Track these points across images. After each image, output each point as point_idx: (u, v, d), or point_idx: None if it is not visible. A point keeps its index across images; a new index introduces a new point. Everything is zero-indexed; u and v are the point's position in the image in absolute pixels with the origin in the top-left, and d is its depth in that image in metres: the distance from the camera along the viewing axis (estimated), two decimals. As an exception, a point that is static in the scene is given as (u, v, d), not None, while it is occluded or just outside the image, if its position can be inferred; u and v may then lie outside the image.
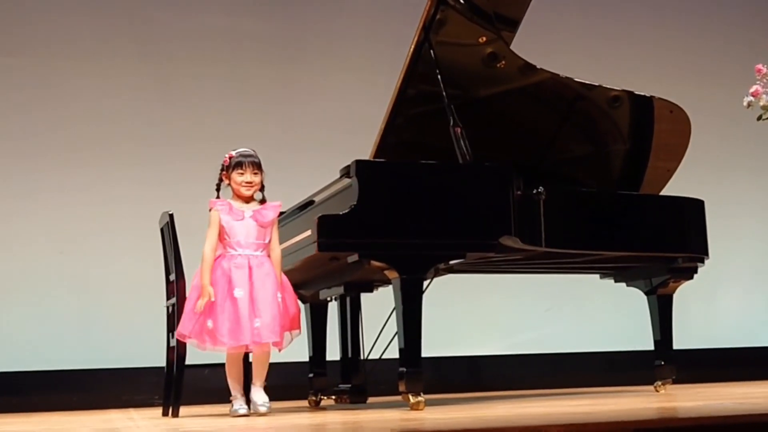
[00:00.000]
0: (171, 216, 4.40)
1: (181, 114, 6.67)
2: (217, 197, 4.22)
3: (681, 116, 5.07)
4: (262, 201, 4.22)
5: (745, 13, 7.82)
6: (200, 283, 4.05)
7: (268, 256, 4.14)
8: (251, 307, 3.99)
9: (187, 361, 4.29)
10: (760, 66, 5.24)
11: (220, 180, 4.24)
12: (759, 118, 5.30)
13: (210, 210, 4.16)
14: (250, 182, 4.16)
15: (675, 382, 5.08)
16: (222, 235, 4.12)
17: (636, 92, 4.99)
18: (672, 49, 7.62)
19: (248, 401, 4.12)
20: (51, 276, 6.28)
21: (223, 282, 4.03)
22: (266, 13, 6.97)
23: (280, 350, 4.15)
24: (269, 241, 4.15)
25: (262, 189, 4.23)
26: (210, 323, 3.99)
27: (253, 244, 4.11)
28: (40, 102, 6.49)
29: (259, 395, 4.09)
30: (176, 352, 4.25)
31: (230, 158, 4.19)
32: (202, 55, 6.78)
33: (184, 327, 4.08)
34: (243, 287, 4.01)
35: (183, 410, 4.33)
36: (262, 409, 4.03)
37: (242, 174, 4.15)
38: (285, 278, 4.18)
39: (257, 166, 4.18)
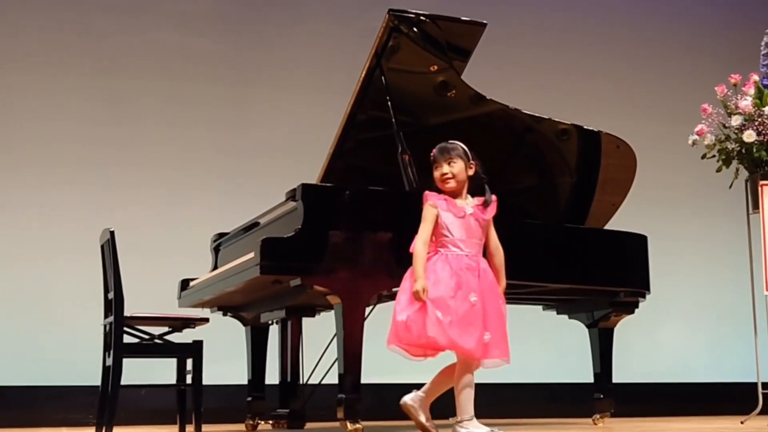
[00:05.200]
0: (112, 233, 4.33)
1: (129, 132, 6.60)
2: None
3: (627, 151, 5.12)
4: (480, 195, 3.71)
5: (693, 52, 7.95)
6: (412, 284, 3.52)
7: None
8: (483, 318, 3.52)
9: (124, 381, 4.21)
10: (705, 105, 5.33)
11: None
12: (703, 156, 5.38)
13: (424, 203, 3.65)
14: (446, 173, 3.64)
15: (614, 415, 5.10)
16: (439, 233, 3.62)
17: (584, 126, 5.04)
18: (621, 85, 7.73)
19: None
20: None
21: (453, 283, 3.51)
22: (220, 34, 6.94)
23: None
24: (486, 242, 3.69)
25: (479, 178, 3.71)
26: (440, 314, 3.45)
27: (476, 244, 3.63)
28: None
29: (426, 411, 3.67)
30: (112, 371, 4.17)
31: (433, 153, 3.71)
32: (153, 73, 6.73)
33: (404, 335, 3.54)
34: (477, 293, 3.52)
35: (117, 431, 4.24)
36: None
37: (438, 168, 3.66)
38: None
39: (452, 154, 3.65)
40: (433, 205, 3.61)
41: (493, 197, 3.70)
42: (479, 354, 3.52)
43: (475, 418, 3.60)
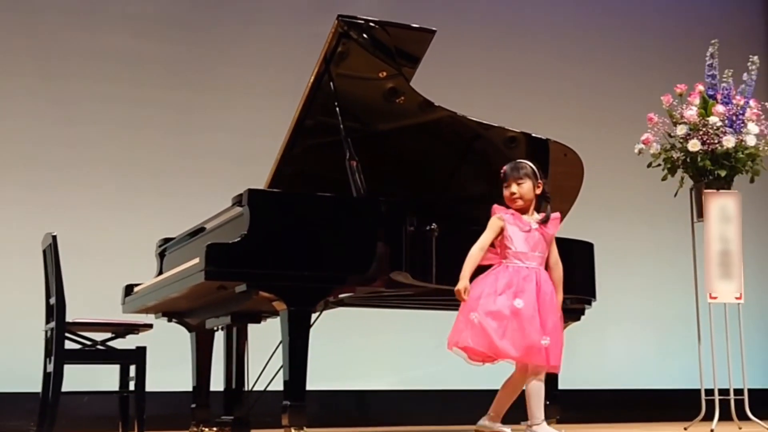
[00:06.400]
0: (54, 238, 4.27)
1: (75, 134, 6.52)
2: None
3: (575, 159, 5.14)
4: (543, 211, 3.99)
5: (640, 61, 8.04)
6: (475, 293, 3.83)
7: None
8: (541, 324, 3.78)
9: (66, 388, 4.15)
10: (651, 115, 5.39)
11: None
12: (649, 165, 5.44)
13: (492, 215, 3.95)
14: (515, 193, 3.94)
15: (560, 422, 5.12)
16: (504, 245, 3.91)
17: (533, 134, 5.05)
18: (568, 92, 7.79)
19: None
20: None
21: (509, 292, 3.80)
22: (170, 36, 6.88)
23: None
24: (547, 256, 3.96)
25: (543, 197, 3.99)
26: (474, 317, 3.79)
27: (539, 258, 3.90)
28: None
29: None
30: (53, 377, 4.11)
31: (504, 171, 4.01)
32: (102, 75, 6.65)
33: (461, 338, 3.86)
34: (527, 299, 3.79)
35: (57, 438, 4.18)
36: None
37: (507, 187, 3.97)
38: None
39: (521, 174, 3.95)
40: (500, 218, 3.92)
41: (556, 214, 3.99)
42: (538, 360, 3.78)
43: (545, 422, 3.90)
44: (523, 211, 3.97)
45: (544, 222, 3.95)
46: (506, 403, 4.02)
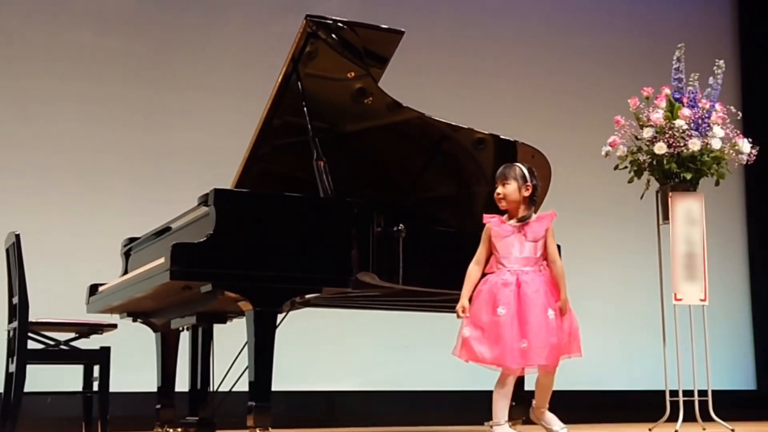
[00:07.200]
0: (17, 237, 4.23)
1: (39, 133, 6.44)
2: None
3: (542, 161, 5.15)
4: (534, 211, 4.08)
5: (607, 64, 8.08)
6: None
7: (539, 271, 4.00)
8: (518, 328, 3.87)
9: (29, 388, 4.11)
10: (618, 117, 5.42)
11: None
12: (616, 167, 5.47)
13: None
14: (498, 194, 4.02)
15: (525, 423, 5.13)
16: (493, 251, 4.01)
17: (501, 136, 5.06)
18: (536, 94, 7.81)
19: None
20: None
21: (488, 299, 3.92)
22: (135, 35, 6.82)
23: (550, 373, 4.11)
24: (541, 255, 4.01)
25: (531, 199, 4.03)
26: (467, 332, 3.92)
27: (521, 260, 3.96)
28: None
29: (553, 418, 4.19)
30: (15, 377, 4.06)
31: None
32: (65, 73, 6.57)
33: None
34: (507, 306, 3.88)
35: (20, 439, 4.14)
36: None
37: (496, 187, 4.05)
38: (565, 294, 4.02)
39: (508, 176, 4.01)
40: (486, 227, 4.02)
41: (546, 213, 4.06)
42: (511, 363, 3.89)
43: (507, 424, 4.05)
44: (511, 212, 4.03)
45: (521, 221, 3.99)
46: (544, 394, 4.23)
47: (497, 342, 3.86)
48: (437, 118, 4.78)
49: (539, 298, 3.92)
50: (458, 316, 3.95)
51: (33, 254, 4.28)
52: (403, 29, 4.47)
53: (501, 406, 4.02)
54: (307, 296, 3.98)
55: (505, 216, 4.06)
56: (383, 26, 4.49)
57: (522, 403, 5.04)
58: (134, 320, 4.92)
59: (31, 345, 4.19)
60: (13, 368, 4.14)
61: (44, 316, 4.30)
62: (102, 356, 4.26)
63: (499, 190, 4.01)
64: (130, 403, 5.51)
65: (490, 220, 4.02)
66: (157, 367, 4.86)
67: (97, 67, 6.66)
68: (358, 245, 4.01)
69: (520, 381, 5.06)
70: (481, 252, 4.03)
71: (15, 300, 4.26)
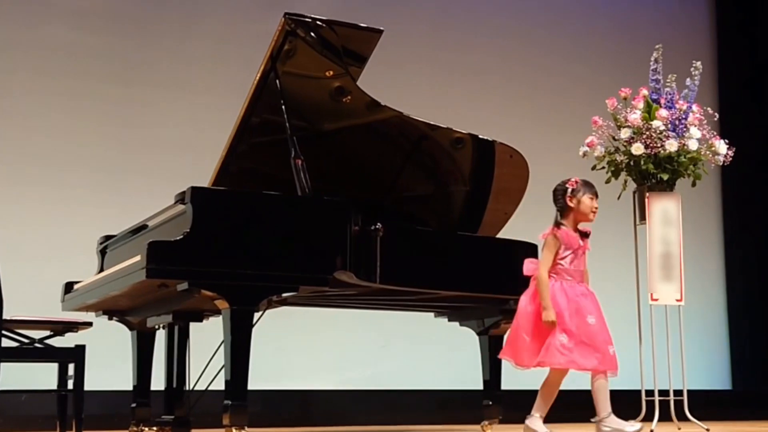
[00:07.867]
0: (-8, 233, 4.19)
1: (15, 128, 6.39)
2: (559, 223, 4.25)
3: (520, 161, 5.16)
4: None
5: (585, 64, 8.11)
6: (536, 309, 4.14)
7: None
8: (606, 334, 4.18)
9: (2, 386, 4.07)
10: (596, 118, 5.44)
11: (565, 204, 4.25)
12: (593, 168, 5.48)
13: (549, 233, 4.23)
14: (597, 207, 4.25)
15: (502, 422, 5.14)
16: (555, 261, 4.18)
17: (479, 136, 5.07)
18: (514, 94, 7.83)
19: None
20: None
21: (575, 308, 4.13)
22: (114, 31, 6.78)
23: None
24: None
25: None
26: (564, 338, 4.11)
27: (581, 273, 4.25)
28: None
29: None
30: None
31: (577, 182, 4.25)
32: (43, 69, 6.54)
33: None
34: (594, 314, 4.17)
35: (-7, 438, 4.10)
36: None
37: (593, 199, 4.22)
38: None
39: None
40: (558, 236, 4.18)
41: (588, 229, 4.29)
42: (605, 367, 4.21)
43: (612, 414, 4.27)
44: (575, 226, 4.28)
45: (584, 235, 4.28)
46: (547, 403, 4.47)
47: (596, 349, 4.16)
48: (416, 117, 4.77)
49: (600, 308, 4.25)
50: (548, 327, 4.10)
51: (7, 251, 4.24)
52: (381, 28, 4.47)
53: (602, 399, 4.31)
54: (284, 295, 3.96)
55: (569, 227, 4.25)
56: (362, 25, 4.48)
57: (498, 402, 5.06)
58: (110, 318, 4.89)
59: (5, 343, 4.14)
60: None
61: (18, 313, 4.26)
62: (77, 354, 4.21)
63: (596, 204, 4.24)
64: (105, 401, 5.47)
65: (562, 232, 4.20)
66: (133, 365, 4.83)
67: (73, 63, 6.62)
68: (335, 244, 4.00)
69: (496, 381, 5.08)
70: (551, 259, 4.19)
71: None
